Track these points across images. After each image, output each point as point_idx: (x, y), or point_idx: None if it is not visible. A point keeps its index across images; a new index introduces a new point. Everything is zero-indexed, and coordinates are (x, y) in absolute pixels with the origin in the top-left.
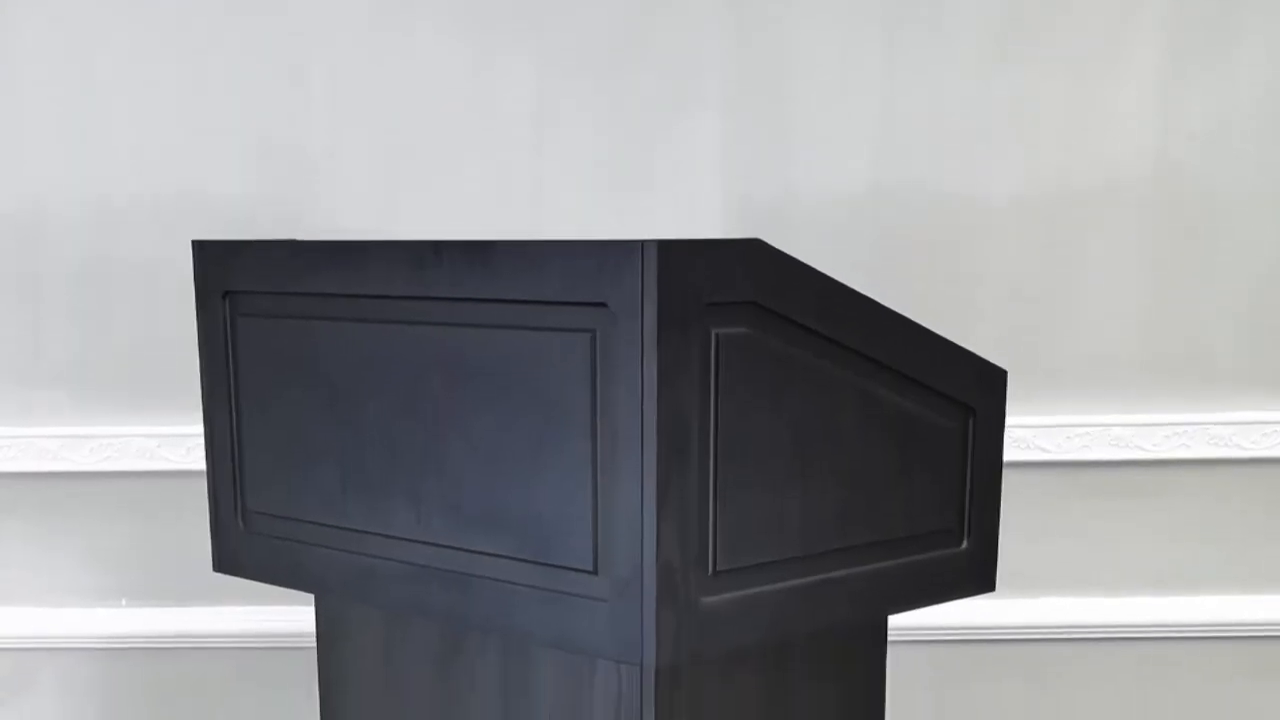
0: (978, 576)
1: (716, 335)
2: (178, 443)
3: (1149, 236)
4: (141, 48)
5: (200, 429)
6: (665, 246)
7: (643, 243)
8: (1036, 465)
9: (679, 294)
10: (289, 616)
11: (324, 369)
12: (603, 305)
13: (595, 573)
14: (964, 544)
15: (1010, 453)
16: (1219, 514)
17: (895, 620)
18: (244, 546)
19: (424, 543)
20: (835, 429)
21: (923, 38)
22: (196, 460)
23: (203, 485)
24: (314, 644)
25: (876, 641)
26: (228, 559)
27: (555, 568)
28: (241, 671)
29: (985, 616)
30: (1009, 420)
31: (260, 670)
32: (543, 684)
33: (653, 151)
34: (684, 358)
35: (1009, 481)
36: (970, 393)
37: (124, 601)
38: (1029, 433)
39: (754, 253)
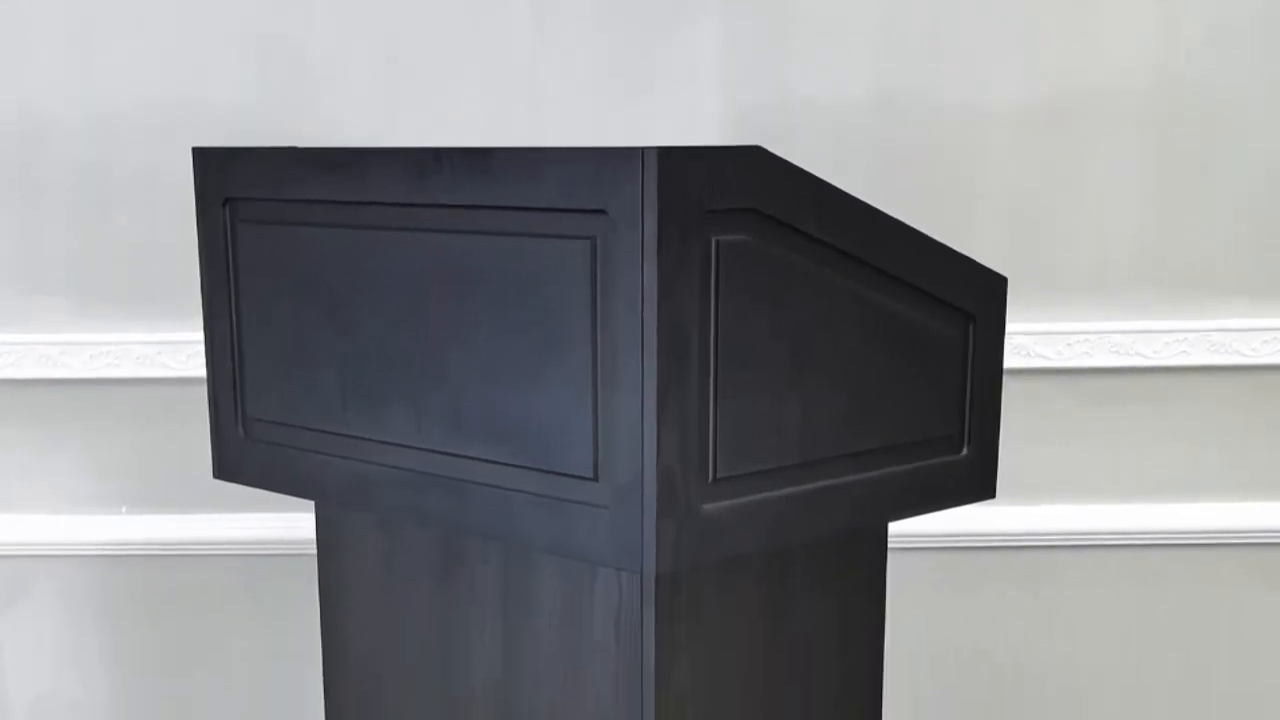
0: (978, 483)
1: (716, 242)
2: (178, 349)
3: (1150, 143)
4: None
5: (200, 336)
6: (665, 154)
7: (643, 150)
8: (1037, 372)
9: (679, 201)
10: (289, 524)
11: (324, 276)
12: (602, 213)
13: (595, 480)
14: (964, 451)
15: (1010, 360)
16: (1219, 421)
17: (895, 527)
18: (244, 453)
19: (424, 450)
20: (835, 336)
21: None
22: (196, 367)
23: (203, 392)
24: (314, 551)
25: (877, 548)
26: (228, 466)
27: (555, 475)
28: (241, 579)
29: (985, 523)
30: (1009, 327)
31: (260, 578)
32: (542, 592)
33: (653, 59)
34: (684, 265)
35: (1009, 389)
36: (971, 300)
37: (124, 509)
38: (1029, 340)
39: (754, 160)
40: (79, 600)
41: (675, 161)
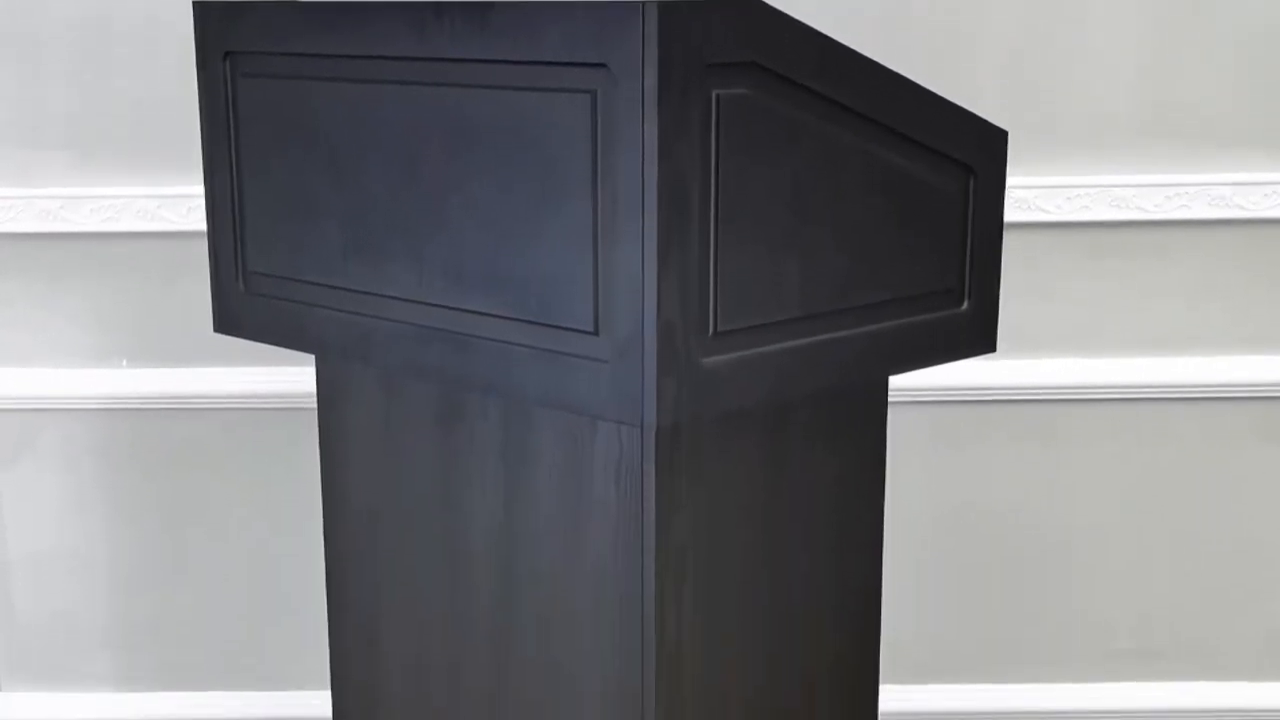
0: (978, 337)
1: (717, 96)
2: (178, 203)
3: None
4: None
5: (201, 190)
6: (665, 8)
7: (643, 3)
8: (1037, 226)
9: (679, 55)
10: (289, 378)
11: (325, 130)
12: (603, 66)
13: (596, 333)
14: (964, 305)
15: (1010, 214)
16: (1219, 275)
17: (896, 381)
18: (244, 307)
19: (424, 304)
20: (835, 190)
21: None
22: (197, 221)
23: (203, 246)
24: (314, 405)
25: (877, 403)
26: (228, 320)
27: (555, 329)
28: (241, 432)
29: (986, 377)
30: (1009, 181)
31: (260, 431)
32: (542, 446)
33: None
34: (684, 119)
35: (1009, 243)
36: (971, 153)
37: (124, 362)
38: (1029, 194)
39: (754, 13)
40: (79, 453)
41: (676, 15)
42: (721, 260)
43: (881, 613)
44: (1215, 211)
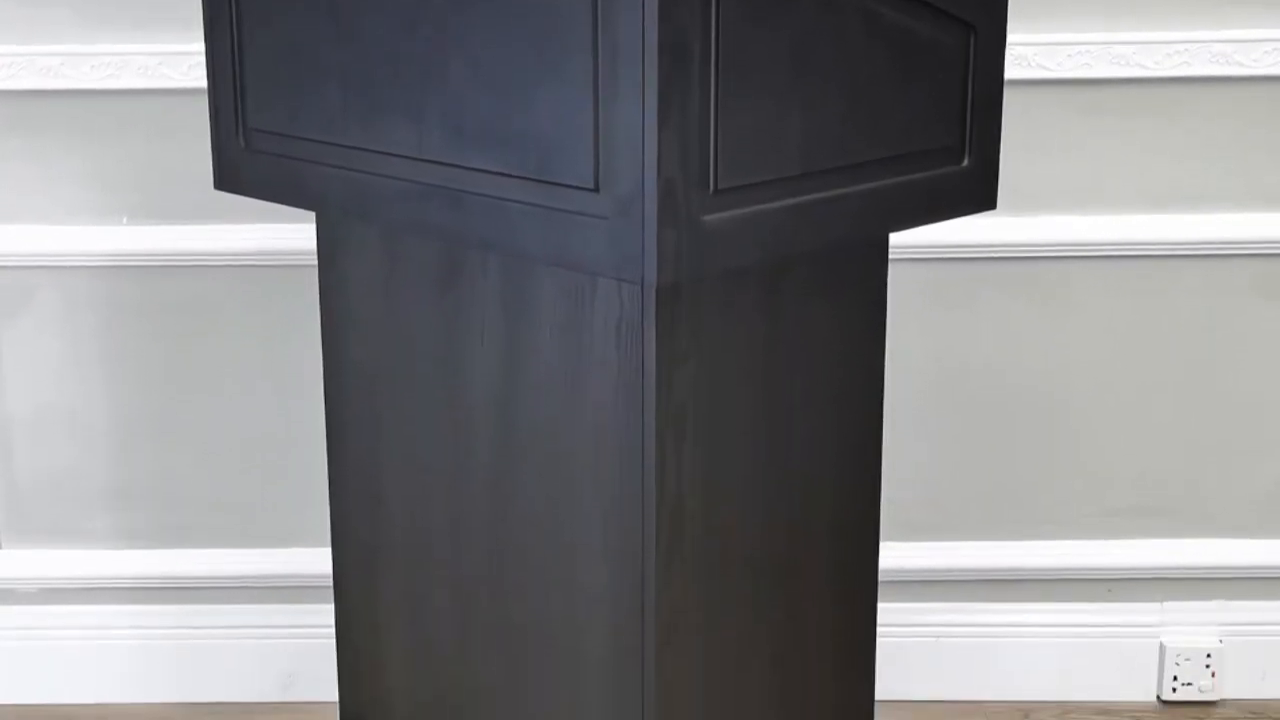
0: (978, 194)
1: None
2: (179, 60)
3: None
4: None
5: (201, 47)
6: None
7: None
8: (1037, 83)
9: None
10: (289, 234)
11: None
12: None
13: (596, 190)
14: (965, 161)
15: (1011, 70)
16: (1220, 132)
17: (896, 239)
18: (245, 164)
19: (424, 160)
20: (837, 47)
21: None
22: (198, 78)
23: (204, 103)
24: (314, 262)
25: (877, 259)
26: (229, 177)
27: (555, 185)
28: (241, 289)
29: (986, 234)
30: (1010, 38)
31: (260, 288)
32: (542, 304)
33: None
34: None
35: (1010, 100)
36: (971, 10)
37: (124, 219)
38: (1030, 50)
39: None
40: (79, 311)
41: None
42: (722, 117)
43: (881, 470)
44: (1216, 69)
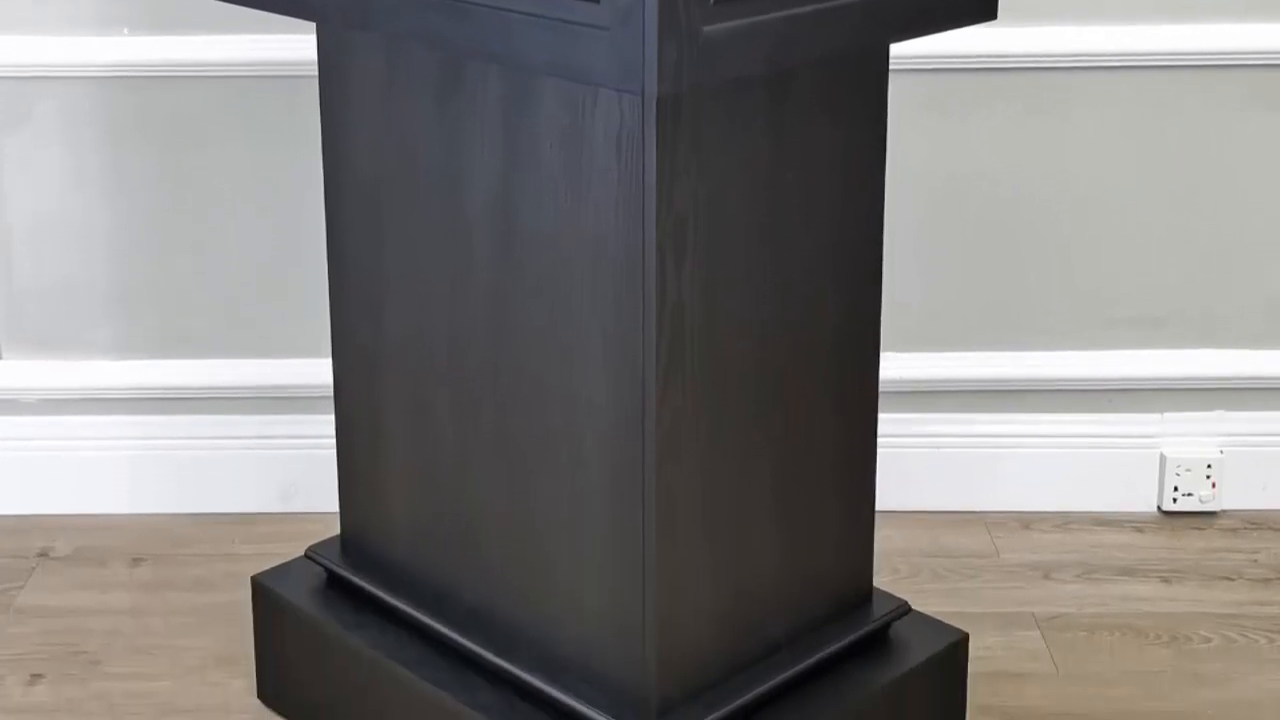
0: (979, 4)
1: None
2: None
3: None
4: None
5: None
6: None
7: None
8: None
9: None
10: (290, 45)
11: None
12: None
13: (597, 0)
14: None
15: None
16: None
17: (896, 49)
18: None
19: None
20: None
21: None
22: None
23: None
24: (315, 73)
25: (878, 70)
26: None
27: None
28: (244, 101)
29: (986, 45)
30: None
31: (262, 99)
32: (543, 115)
33: None
34: None
35: None
36: None
37: (125, 30)
38: None
39: None
40: (80, 122)
41: None
42: None
43: (882, 282)
44: None
